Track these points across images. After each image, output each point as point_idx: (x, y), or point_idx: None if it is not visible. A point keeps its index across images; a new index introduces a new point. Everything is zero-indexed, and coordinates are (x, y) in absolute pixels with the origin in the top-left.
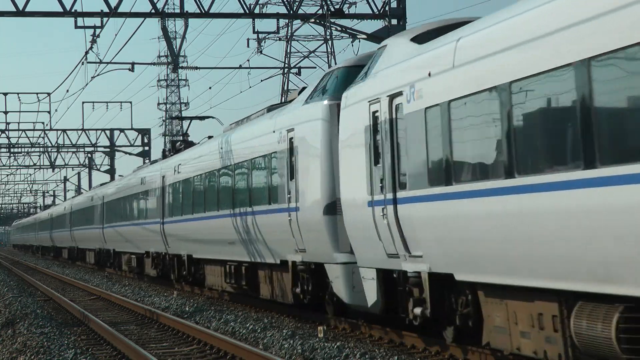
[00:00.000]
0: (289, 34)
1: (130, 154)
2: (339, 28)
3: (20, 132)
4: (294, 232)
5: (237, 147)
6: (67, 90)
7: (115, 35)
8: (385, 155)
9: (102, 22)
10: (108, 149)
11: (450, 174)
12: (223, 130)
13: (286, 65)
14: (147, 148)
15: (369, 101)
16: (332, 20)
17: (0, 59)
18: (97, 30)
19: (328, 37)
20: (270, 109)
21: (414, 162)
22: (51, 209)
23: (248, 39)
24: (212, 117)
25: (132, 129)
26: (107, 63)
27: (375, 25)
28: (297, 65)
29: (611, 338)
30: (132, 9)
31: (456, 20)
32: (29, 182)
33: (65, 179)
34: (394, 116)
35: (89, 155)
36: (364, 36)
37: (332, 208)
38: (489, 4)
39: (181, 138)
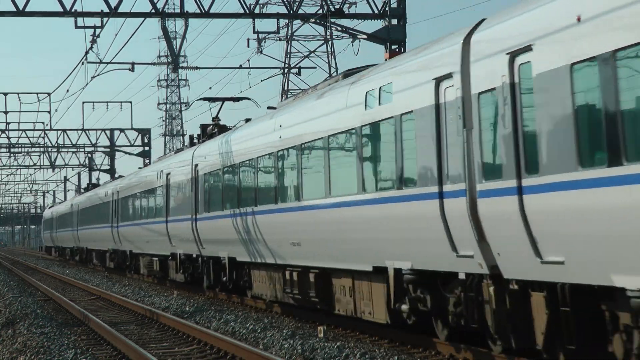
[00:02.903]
0: (289, 34)
1: (130, 154)
2: (339, 28)
3: (20, 132)
4: None
5: None
6: (67, 90)
7: (115, 35)
8: None
9: (102, 22)
10: (108, 149)
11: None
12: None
13: (286, 65)
14: (147, 148)
15: None
16: (332, 20)
17: (0, 59)
18: (97, 30)
19: (328, 37)
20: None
21: None
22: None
23: (248, 39)
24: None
25: (132, 129)
26: (107, 63)
27: (376, 25)
28: (297, 65)
29: None
30: (132, 9)
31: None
32: (29, 182)
33: (66, 179)
34: None
35: (89, 155)
36: (364, 36)
37: None
38: (489, 4)
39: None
